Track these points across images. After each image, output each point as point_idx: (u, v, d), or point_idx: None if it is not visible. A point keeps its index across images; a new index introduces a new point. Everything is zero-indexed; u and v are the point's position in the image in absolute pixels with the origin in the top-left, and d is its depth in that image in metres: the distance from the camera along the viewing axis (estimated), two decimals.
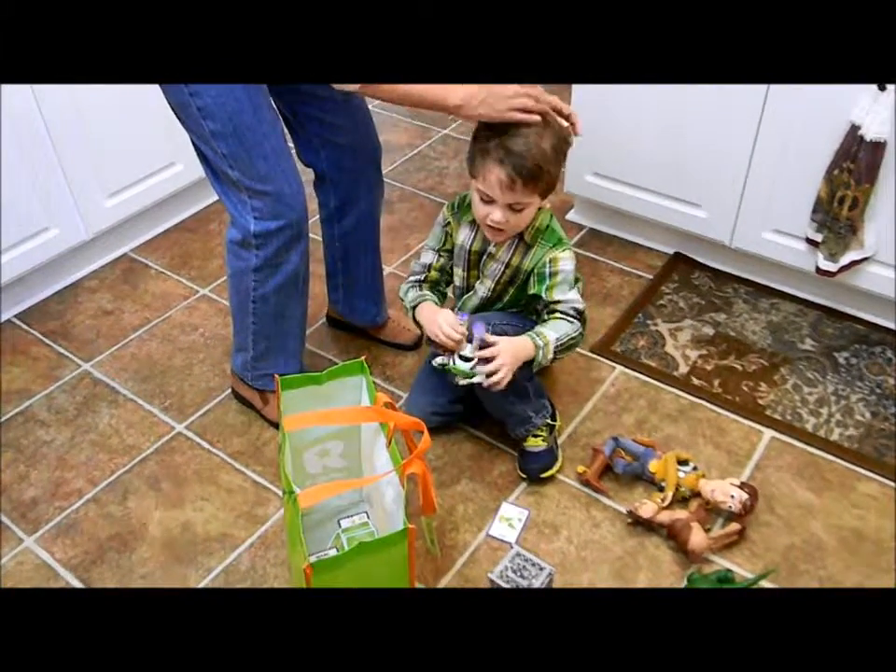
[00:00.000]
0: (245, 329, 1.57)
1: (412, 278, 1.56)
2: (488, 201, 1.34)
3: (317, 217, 1.71)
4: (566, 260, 1.41)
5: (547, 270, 1.41)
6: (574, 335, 1.40)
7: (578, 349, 1.80)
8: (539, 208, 1.41)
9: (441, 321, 1.39)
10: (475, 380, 1.37)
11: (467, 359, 1.38)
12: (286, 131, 1.47)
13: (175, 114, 1.36)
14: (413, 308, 1.51)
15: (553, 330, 1.39)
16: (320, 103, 1.48)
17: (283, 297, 1.50)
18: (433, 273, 1.55)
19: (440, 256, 1.54)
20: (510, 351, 1.35)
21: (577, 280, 1.45)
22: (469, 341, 1.38)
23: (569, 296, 1.41)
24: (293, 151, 1.44)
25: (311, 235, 1.48)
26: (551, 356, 1.38)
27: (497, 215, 1.34)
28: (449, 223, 1.51)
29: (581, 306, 1.42)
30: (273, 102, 1.39)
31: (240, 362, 1.65)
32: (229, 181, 1.37)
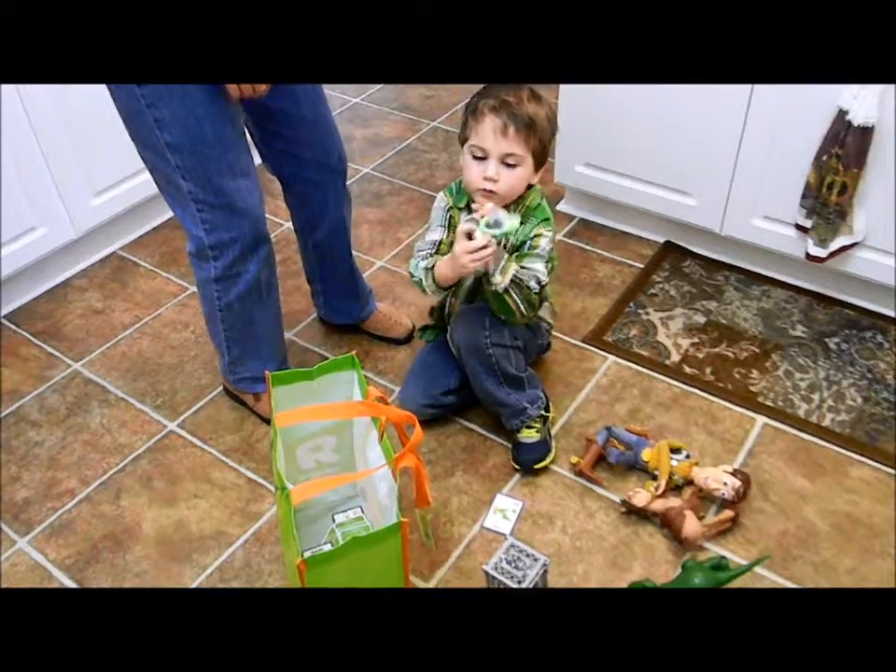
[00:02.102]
0: (218, 336, 1.58)
1: (421, 254, 1.48)
2: (482, 157, 1.36)
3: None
4: (546, 238, 1.42)
5: (528, 243, 1.42)
6: (528, 293, 1.38)
7: (569, 341, 1.81)
8: (531, 186, 1.42)
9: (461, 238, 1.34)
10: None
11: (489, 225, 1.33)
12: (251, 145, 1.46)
13: (125, 123, 1.33)
14: (430, 272, 1.43)
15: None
16: (284, 117, 1.47)
17: (248, 305, 1.51)
18: (444, 248, 1.48)
19: (449, 232, 1.49)
20: None
21: (551, 260, 1.44)
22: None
23: (536, 265, 1.41)
24: (258, 163, 1.44)
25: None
26: (507, 277, 1.34)
27: (490, 168, 1.35)
28: (451, 207, 1.48)
29: (543, 278, 1.41)
30: (237, 117, 1.37)
31: (223, 369, 1.66)
32: (180, 193, 1.36)
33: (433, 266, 1.42)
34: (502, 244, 1.36)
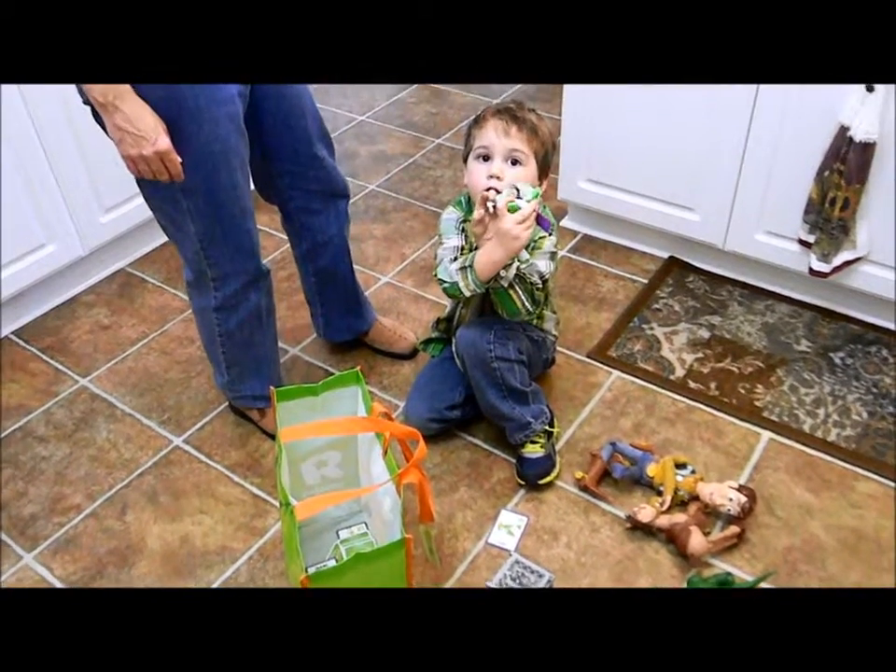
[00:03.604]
0: (217, 358, 1.59)
1: (447, 259, 1.43)
2: (486, 157, 1.39)
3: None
4: (549, 240, 1.44)
5: (532, 244, 1.43)
6: (531, 288, 1.40)
7: (570, 354, 1.81)
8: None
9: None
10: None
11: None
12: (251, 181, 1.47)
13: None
14: (468, 270, 1.38)
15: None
16: (294, 157, 1.49)
17: (248, 331, 1.53)
18: (466, 253, 1.44)
19: (465, 239, 1.47)
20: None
21: (554, 255, 1.45)
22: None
23: (538, 261, 1.41)
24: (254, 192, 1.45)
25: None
26: (511, 272, 1.36)
27: (496, 165, 1.37)
28: (464, 219, 1.47)
29: (545, 271, 1.42)
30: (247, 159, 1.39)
31: (219, 383, 1.67)
32: (184, 233, 1.38)
33: (471, 263, 1.38)
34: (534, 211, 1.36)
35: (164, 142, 1.20)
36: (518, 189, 1.32)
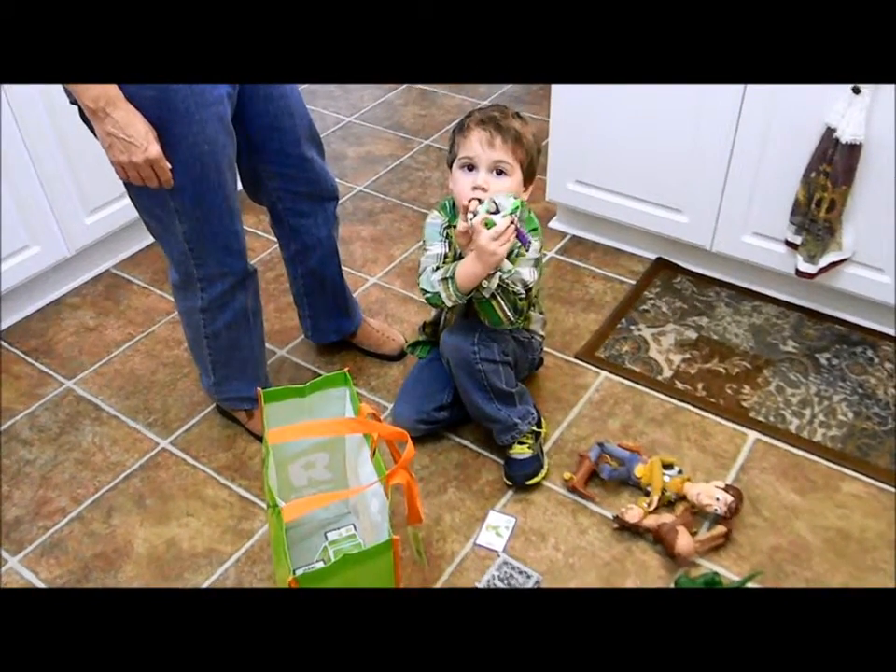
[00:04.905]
0: (203, 359, 1.58)
1: (430, 269, 1.44)
2: (470, 168, 1.38)
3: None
4: (533, 245, 1.43)
5: (515, 251, 1.42)
6: (514, 298, 1.40)
7: (556, 355, 1.81)
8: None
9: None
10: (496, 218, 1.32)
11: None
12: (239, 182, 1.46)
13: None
14: (449, 281, 1.38)
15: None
16: (283, 158, 1.48)
17: (234, 332, 1.52)
18: (449, 261, 1.45)
19: (448, 245, 1.47)
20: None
21: (539, 265, 1.45)
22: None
23: (521, 269, 1.41)
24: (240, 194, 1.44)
25: None
26: (493, 282, 1.36)
27: (481, 176, 1.36)
28: (448, 224, 1.47)
29: (529, 280, 1.42)
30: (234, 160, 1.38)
31: (206, 385, 1.66)
32: (171, 233, 1.37)
33: (452, 274, 1.38)
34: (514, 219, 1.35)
35: (155, 149, 1.20)
36: (497, 203, 1.31)
